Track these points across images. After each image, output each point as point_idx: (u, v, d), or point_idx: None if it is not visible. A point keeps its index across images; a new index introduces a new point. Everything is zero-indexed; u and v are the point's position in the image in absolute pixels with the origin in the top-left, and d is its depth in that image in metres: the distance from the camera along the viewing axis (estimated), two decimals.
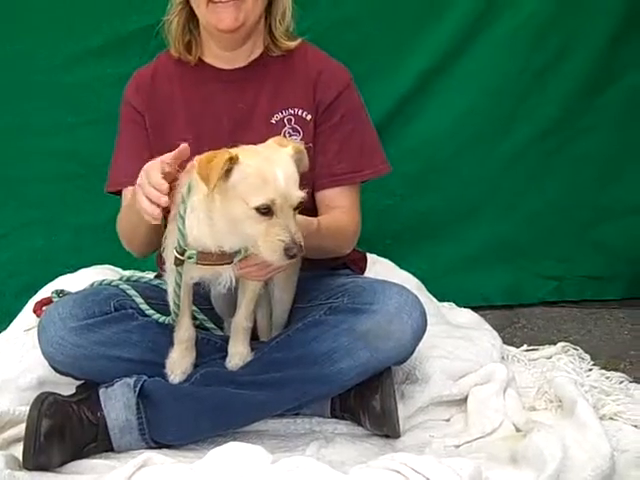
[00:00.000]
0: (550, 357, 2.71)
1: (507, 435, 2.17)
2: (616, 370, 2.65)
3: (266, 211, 1.83)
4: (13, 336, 2.58)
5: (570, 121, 3.31)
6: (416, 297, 2.20)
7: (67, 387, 2.27)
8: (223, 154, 1.84)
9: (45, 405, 2.06)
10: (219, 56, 2.41)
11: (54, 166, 3.20)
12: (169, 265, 2.08)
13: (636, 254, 3.37)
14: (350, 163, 2.34)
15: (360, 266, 2.61)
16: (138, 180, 2.02)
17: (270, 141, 1.97)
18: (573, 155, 3.33)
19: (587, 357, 2.72)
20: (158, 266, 2.54)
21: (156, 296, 2.29)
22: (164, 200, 1.95)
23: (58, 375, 2.25)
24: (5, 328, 2.70)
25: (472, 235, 3.39)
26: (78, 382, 2.27)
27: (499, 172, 3.34)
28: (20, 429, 2.11)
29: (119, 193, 2.45)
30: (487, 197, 3.36)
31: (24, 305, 2.71)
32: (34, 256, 3.24)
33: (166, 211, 2.08)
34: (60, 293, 2.49)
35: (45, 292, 2.70)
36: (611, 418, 2.14)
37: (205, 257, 1.98)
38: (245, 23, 2.28)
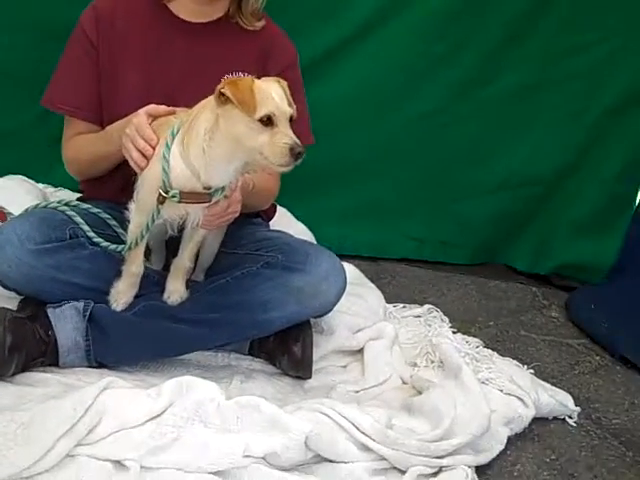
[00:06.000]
0: (419, 316, 3.02)
1: (396, 386, 2.53)
2: (467, 334, 2.92)
3: (268, 122, 2.04)
4: None
5: (454, 106, 3.58)
6: (341, 263, 2.50)
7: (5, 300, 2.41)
8: (246, 80, 2.06)
9: (7, 321, 2.21)
10: (184, 6, 2.53)
11: None
12: (141, 204, 2.23)
13: (481, 225, 3.78)
14: None
15: (269, 215, 2.88)
16: (127, 130, 2.19)
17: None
18: (450, 136, 3.62)
19: (446, 319, 3.00)
20: (84, 191, 2.70)
21: (96, 224, 2.43)
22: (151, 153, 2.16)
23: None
24: None
25: (347, 192, 3.66)
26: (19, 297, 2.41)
27: (391, 138, 3.59)
28: None
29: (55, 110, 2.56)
30: (366, 160, 3.60)
31: None
32: None
33: None
34: None
35: None
36: (483, 382, 2.49)
37: (187, 196, 2.16)
38: None
